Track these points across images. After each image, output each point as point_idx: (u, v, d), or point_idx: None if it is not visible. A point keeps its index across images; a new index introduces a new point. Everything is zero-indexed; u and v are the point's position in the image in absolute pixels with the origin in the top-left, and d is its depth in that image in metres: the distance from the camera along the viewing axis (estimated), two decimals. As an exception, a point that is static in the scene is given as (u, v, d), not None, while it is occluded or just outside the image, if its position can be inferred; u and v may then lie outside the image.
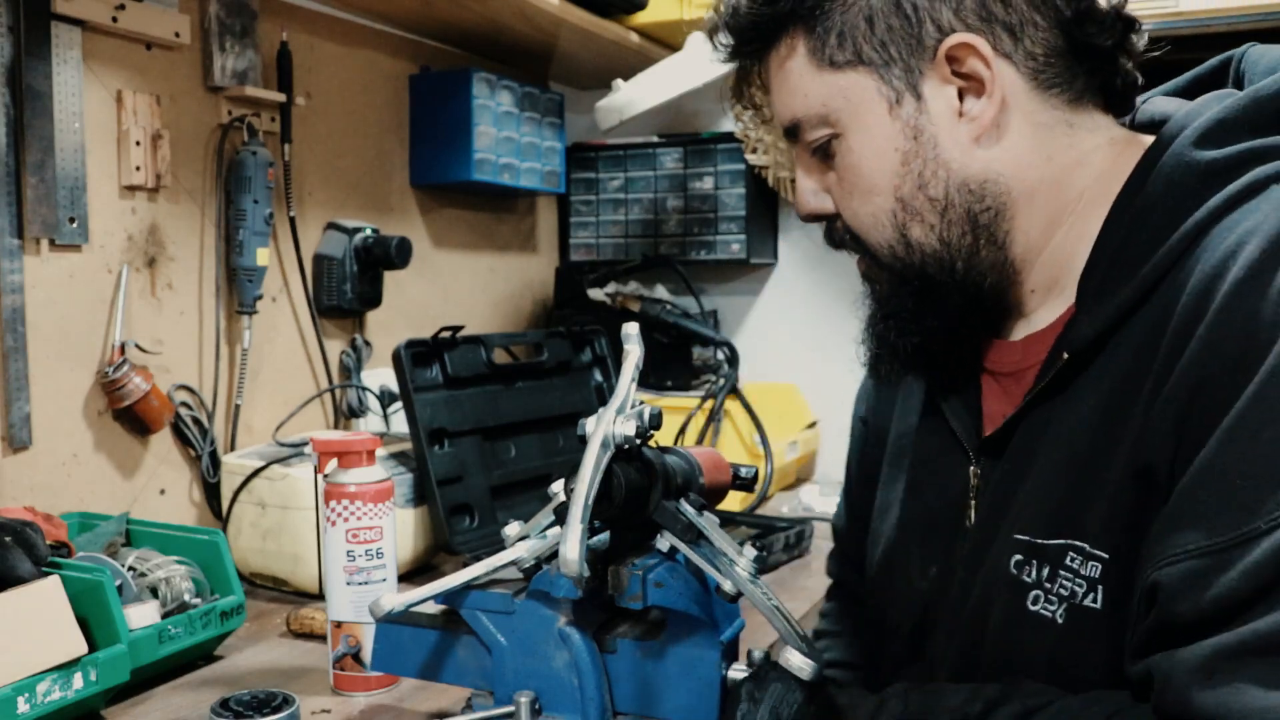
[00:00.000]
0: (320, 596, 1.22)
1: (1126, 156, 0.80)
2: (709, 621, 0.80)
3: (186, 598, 1.09)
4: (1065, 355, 0.76)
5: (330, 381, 1.70)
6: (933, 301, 0.84)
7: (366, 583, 1.01)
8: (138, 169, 1.37)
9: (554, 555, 0.81)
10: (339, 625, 1.02)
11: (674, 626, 0.81)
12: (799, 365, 2.15)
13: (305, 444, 1.36)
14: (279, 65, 1.58)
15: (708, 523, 0.79)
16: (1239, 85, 0.81)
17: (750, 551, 0.77)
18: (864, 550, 1.01)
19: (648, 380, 2.04)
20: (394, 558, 1.05)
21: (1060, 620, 0.73)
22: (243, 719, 0.89)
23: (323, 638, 1.14)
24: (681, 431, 1.88)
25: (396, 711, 1.00)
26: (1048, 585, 0.74)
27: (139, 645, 0.99)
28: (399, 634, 0.89)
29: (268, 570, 1.35)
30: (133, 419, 1.38)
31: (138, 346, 1.38)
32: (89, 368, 1.34)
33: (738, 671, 0.80)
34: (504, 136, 1.90)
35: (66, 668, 0.91)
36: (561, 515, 0.80)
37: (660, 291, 2.12)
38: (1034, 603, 0.75)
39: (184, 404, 1.46)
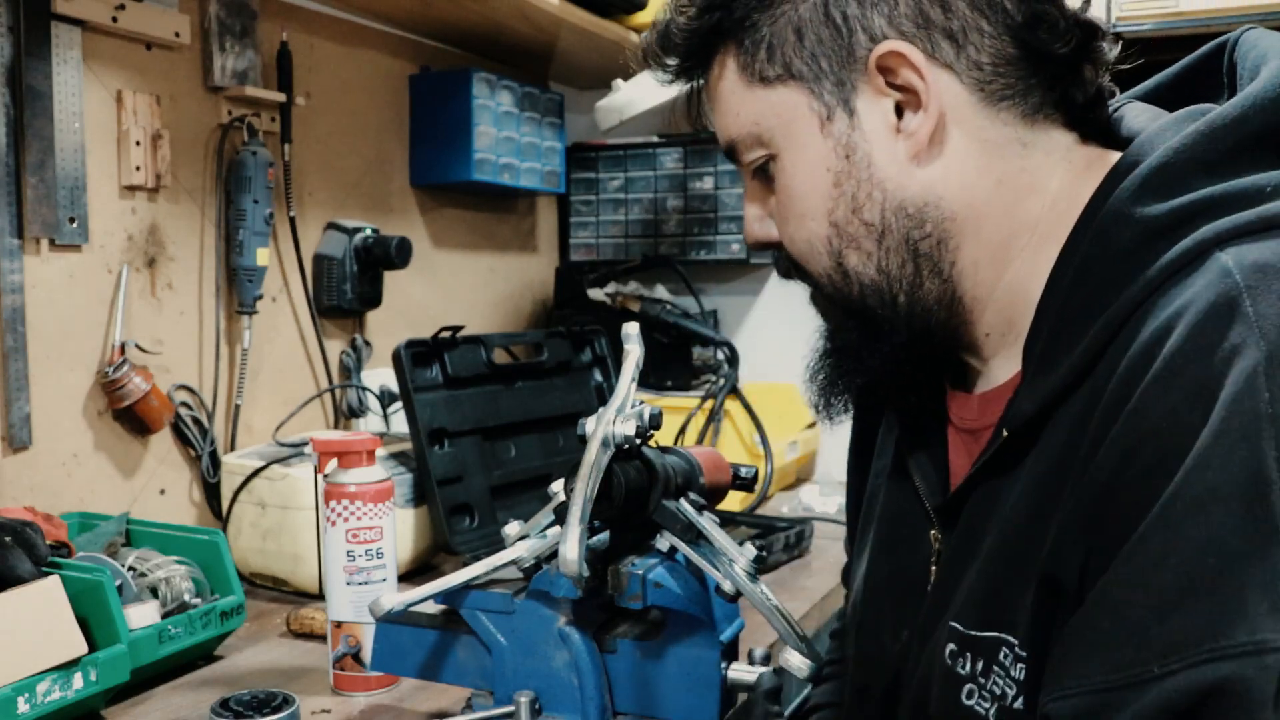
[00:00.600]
0: (320, 596, 1.22)
1: (1086, 182, 0.72)
2: (709, 621, 0.80)
3: (186, 598, 1.09)
4: (1005, 433, 0.70)
5: (330, 381, 1.70)
6: (877, 337, 0.77)
7: (366, 583, 1.01)
8: (138, 169, 1.37)
9: (554, 555, 0.81)
10: (339, 625, 1.02)
11: (674, 626, 0.81)
12: (799, 365, 2.14)
13: (305, 444, 1.36)
14: (279, 65, 1.58)
15: (708, 523, 0.79)
16: (1231, 80, 0.74)
17: (750, 551, 0.77)
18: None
19: (648, 380, 2.04)
20: (394, 558, 1.05)
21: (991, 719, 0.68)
22: (243, 719, 0.89)
23: (323, 638, 1.14)
24: (681, 431, 1.88)
25: (396, 711, 1.00)
26: (981, 680, 0.69)
27: (139, 645, 0.99)
28: (399, 634, 0.89)
29: (268, 570, 1.35)
30: (133, 419, 1.38)
31: (138, 346, 1.38)
32: (89, 368, 1.34)
33: (738, 672, 0.80)
34: (504, 136, 1.90)
35: (66, 668, 0.91)
36: (561, 515, 0.80)
37: (660, 291, 2.12)
38: (968, 697, 0.70)
39: (184, 404, 1.46)
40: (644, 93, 1.83)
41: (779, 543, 1.48)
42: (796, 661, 0.73)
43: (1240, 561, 0.55)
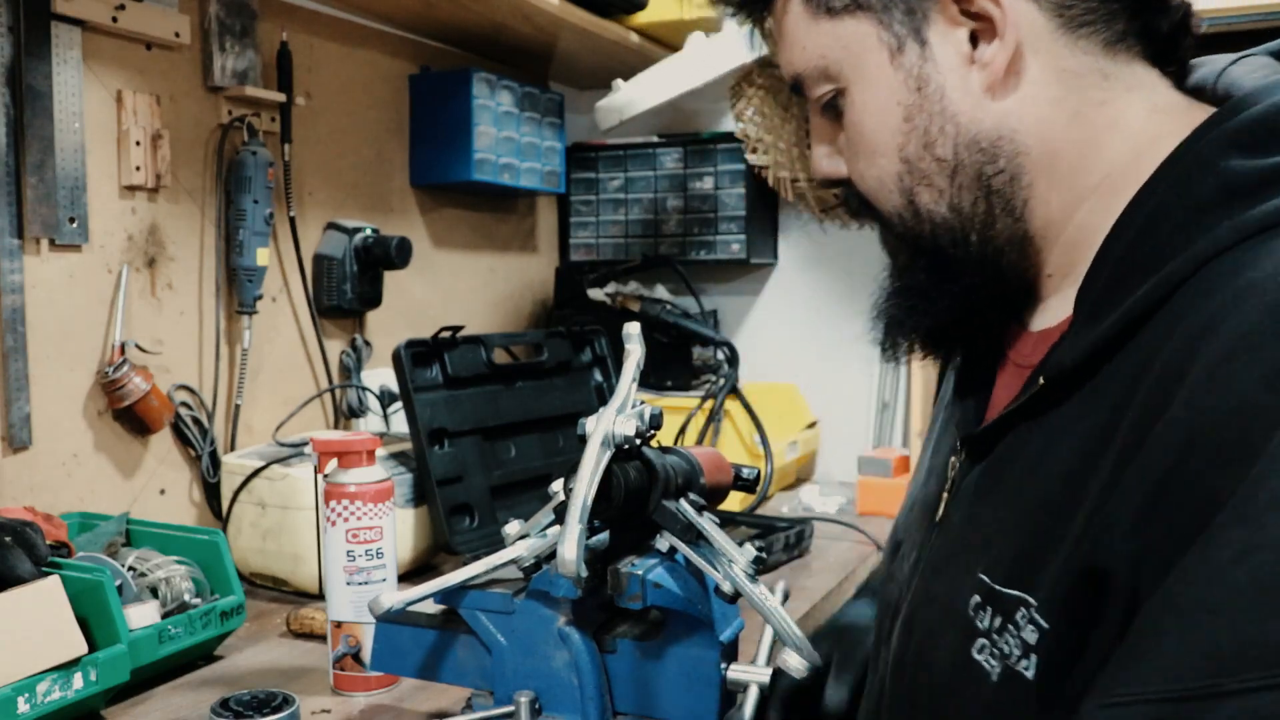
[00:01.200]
0: (320, 596, 1.22)
1: (1171, 131, 0.66)
2: (708, 622, 0.80)
3: (186, 598, 1.09)
4: (1041, 380, 0.66)
5: (330, 381, 1.70)
6: (947, 278, 0.74)
7: (366, 583, 1.01)
8: (138, 169, 1.37)
9: (554, 554, 0.81)
10: (339, 625, 1.02)
11: (673, 626, 0.81)
12: (799, 365, 2.15)
13: (305, 444, 1.36)
14: (279, 65, 1.58)
15: (707, 523, 0.79)
16: None
17: (750, 551, 0.77)
18: None
19: (648, 380, 2.04)
20: (394, 558, 1.05)
21: (994, 679, 0.64)
22: (243, 719, 0.89)
23: (323, 638, 1.14)
24: (681, 431, 1.88)
25: (396, 711, 1.00)
26: (995, 637, 0.65)
27: (139, 645, 0.99)
28: (398, 634, 0.89)
29: (268, 570, 1.35)
30: (133, 419, 1.38)
31: (138, 346, 1.38)
32: (89, 368, 1.34)
33: (737, 672, 0.80)
34: (504, 136, 1.90)
35: (66, 668, 0.91)
36: (561, 515, 0.80)
37: (660, 291, 2.12)
38: (979, 651, 0.66)
39: (184, 404, 1.46)
40: (644, 93, 1.84)
41: (779, 543, 1.49)
42: (794, 662, 0.73)
43: None
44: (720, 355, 2.02)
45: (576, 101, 2.26)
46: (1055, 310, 0.73)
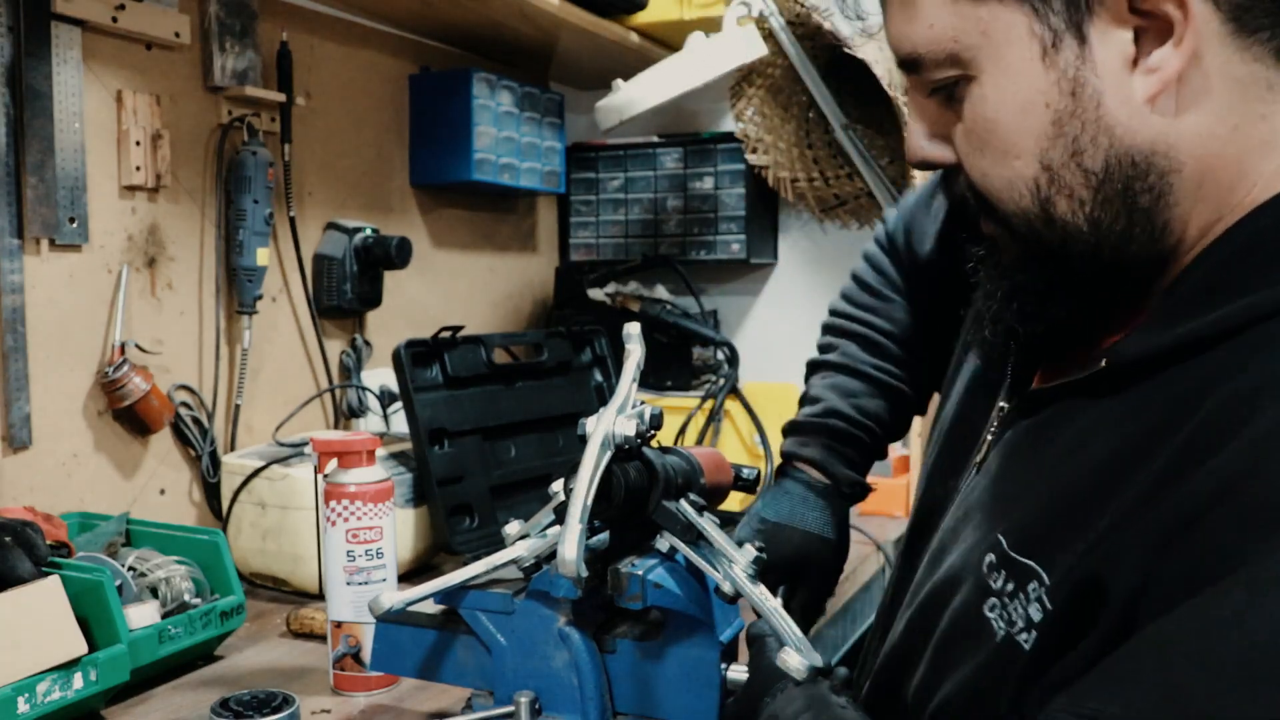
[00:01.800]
0: (320, 596, 1.22)
1: None
2: (708, 622, 0.80)
3: (186, 598, 1.09)
4: (1104, 363, 0.64)
5: (330, 381, 1.70)
6: (1066, 288, 0.68)
7: (366, 583, 1.01)
8: (138, 169, 1.37)
9: (554, 555, 0.81)
10: (339, 625, 1.02)
11: (673, 627, 0.81)
12: (799, 365, 2.15)
13: (305, 444, 1.36)
14: (279, 65, 1.58)
15: (707, 523, 0.79)
16: None
17: (750, 552, 0.77)
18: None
19: (648, 380, 2.04)
20: (394, 558, 1.05)
21: (998, 640, 0.64)
22: (243, 719, 0.89)
23: (323, 638, 1.14)
24: (681, 431, 1.88)
25: (396, 711, 1.00)
26: (1006, 600, 0.64)
27: (139, 645, 0.99)
28: (398, 634, 0.89)
29: (268, 570, 1.35)
30: (133, 419, 1.38)
31: (138, 346, 1.38)
32: (89, 368, 1.34)
33: (737, 672, 0.80)
34: (504, 136, 1.90)
35: (66, 668, 0.91)
36: (561, 514, 0.80)
37: (660, 291, 2.12)
38: (990, 609, 0.65)
39: (184, 404, 1.46)
40: (644, 93, 1.83)
41: (779, 543, 1.48)
42: (794, 662, 0.72)
43: None
44: (720, 355, 2.02)
45: (576, 101, 2.26)
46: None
